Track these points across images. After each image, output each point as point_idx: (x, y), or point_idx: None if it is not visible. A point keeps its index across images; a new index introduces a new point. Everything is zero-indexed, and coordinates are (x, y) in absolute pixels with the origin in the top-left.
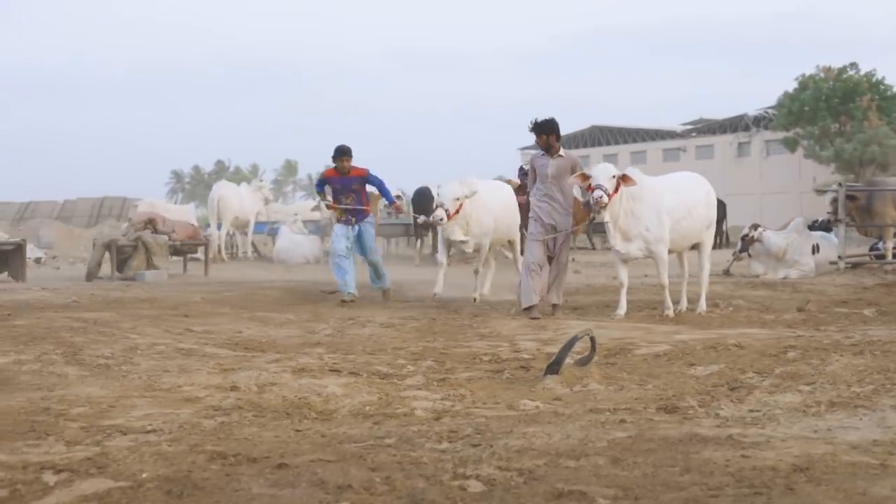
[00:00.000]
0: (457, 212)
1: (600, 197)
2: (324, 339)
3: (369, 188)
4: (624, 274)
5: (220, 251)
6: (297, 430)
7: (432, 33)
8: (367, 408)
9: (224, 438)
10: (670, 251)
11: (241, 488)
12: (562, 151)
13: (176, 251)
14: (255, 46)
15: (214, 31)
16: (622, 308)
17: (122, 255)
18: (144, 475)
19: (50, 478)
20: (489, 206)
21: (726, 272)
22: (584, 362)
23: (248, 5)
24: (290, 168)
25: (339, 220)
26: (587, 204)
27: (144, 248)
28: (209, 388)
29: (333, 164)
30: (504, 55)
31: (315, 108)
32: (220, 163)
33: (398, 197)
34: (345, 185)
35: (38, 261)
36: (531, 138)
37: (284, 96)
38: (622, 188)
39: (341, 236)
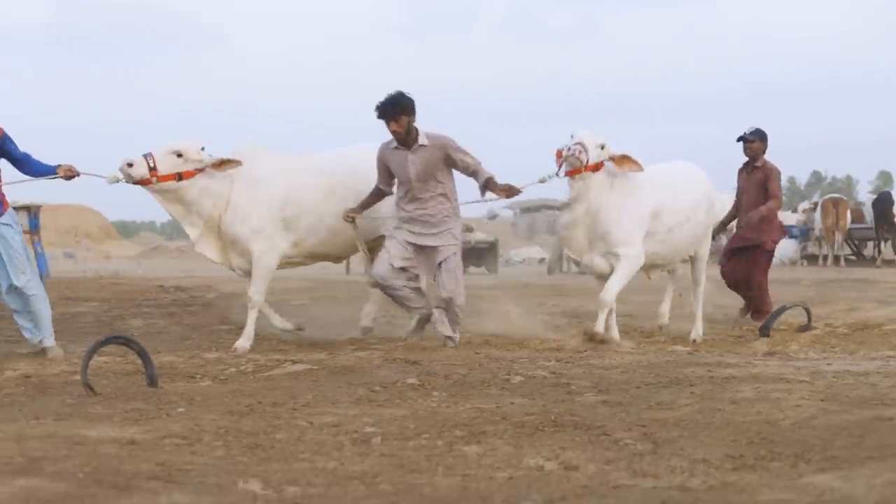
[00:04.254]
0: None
1: (575, 153)
2: None
3: None
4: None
5: None
6: None
7: None
8: None
9: None
10: (659, 267)
11: None
12: (423, 137)
13: None
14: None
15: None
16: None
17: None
18: None
19: None
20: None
21: None
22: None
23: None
24: (885, 179)
25: None
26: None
27: None
28: None
29: None
30: None
31: None
32: (815, 174)
33: None
34: None
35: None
36: None
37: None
38: (609, 172)
39: None
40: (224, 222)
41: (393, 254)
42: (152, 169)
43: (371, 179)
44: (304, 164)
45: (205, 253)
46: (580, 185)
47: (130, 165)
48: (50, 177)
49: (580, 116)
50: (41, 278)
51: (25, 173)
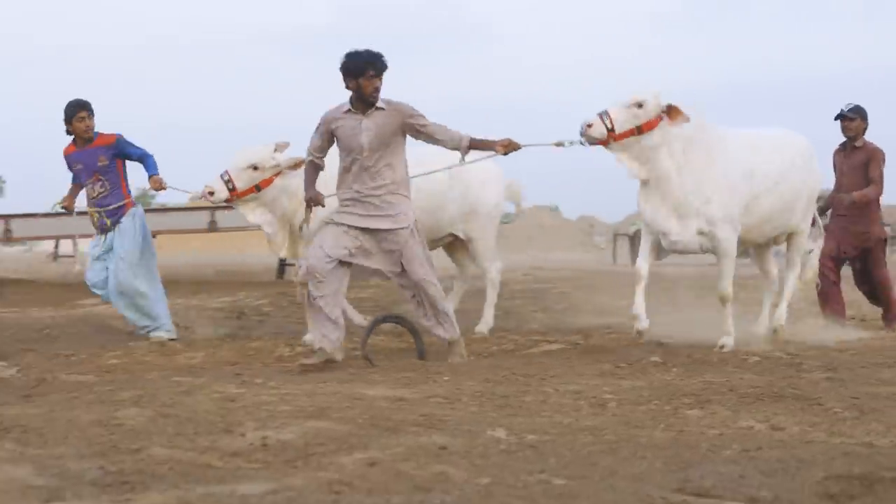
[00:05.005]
0: None
1: (590, 124)
2: None
3: None
4: (645, 267)
5: None
6: None
7: None
8: None
9: None
10: (743, 243)
11: None
12: (382, 101)
13: None
14: None
15: None
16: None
17: None
18: None
19: None
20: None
21: None
22: None
23: None
24: None
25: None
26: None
27: None
28: None
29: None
30: None
31: None
32: None
33: None
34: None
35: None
36: None
37: None
38: (666, 127)
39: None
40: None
41: (328, 244)
42: (232, 190)
43: None
44: None
45: (277, 251)
46: (647, 158)
47: (212, 193)
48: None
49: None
50: None
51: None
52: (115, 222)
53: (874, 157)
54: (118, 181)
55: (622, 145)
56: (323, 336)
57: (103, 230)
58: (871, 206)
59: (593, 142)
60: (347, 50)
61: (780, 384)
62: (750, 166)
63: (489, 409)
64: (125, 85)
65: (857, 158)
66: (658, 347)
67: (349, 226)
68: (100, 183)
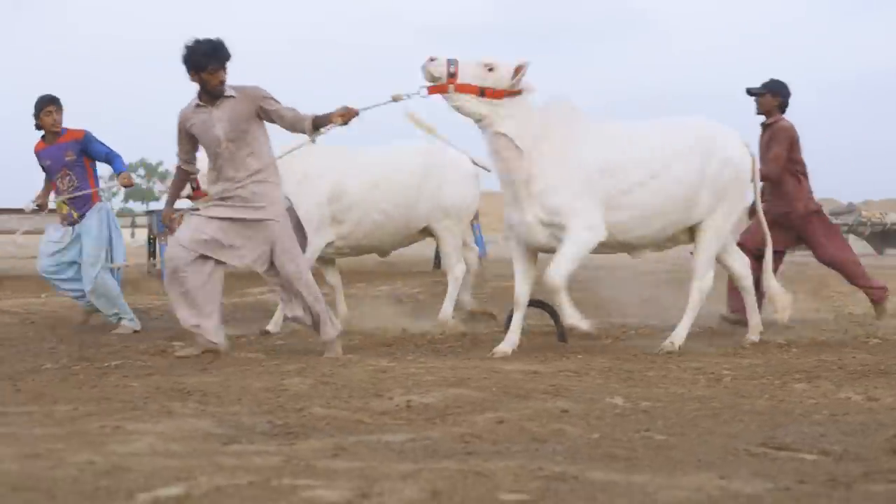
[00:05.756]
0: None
1: (433, 58)
2: None
3: None
4: (522, 280)
5: None
6: None
7: None
8: None
9: None
10: (637, 247)
11: None
12: (229, 88)
13: None
14: None
15: None
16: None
17: None
18: None
19: None
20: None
21: None
22: None
23: None
24: None
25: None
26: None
27: None
28: None
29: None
30: None
31: None
32: None
33: None
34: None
35: None
36: None
37: None
38: (519, 104)
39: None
40: None
41: (186, 236)
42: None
43: None
44: None
45: None
46: (460, 107)
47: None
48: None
49: None
50: (479, 257)
51: (115, 170)
52: (82, 215)
53: (775, 135)
54: (85, 175)
55: (461, 100)
56: (195, 327)
57: (71, 223)
58: (784, 185)
59: (433, 80)
60: (187, 41)
61: (889, 362)
62: (616, 158)
63: (613, 381)
64: (290, 83)
65: (765, 136)
66: (787, 330)
67: (212, 217)
68: (68, 178)
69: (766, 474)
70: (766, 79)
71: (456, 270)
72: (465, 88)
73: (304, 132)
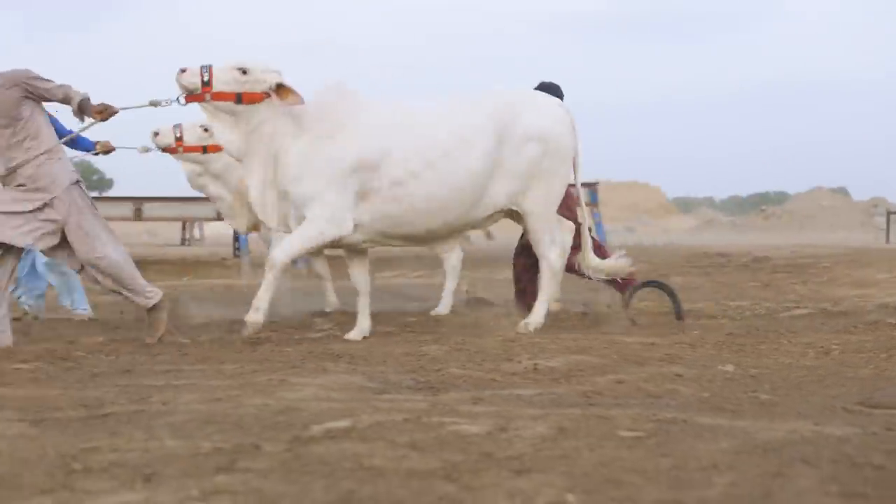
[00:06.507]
0: None
1: (184, 70)
2: None
3: None
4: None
5: None
6: None
7: None
8: None
9: None
10: (427, 239)
11: None
12: None
13: None
14: None
15: None
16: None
17: None
18: None
19: None
20: None
21: None
22: None
23: None
24: None
25: None
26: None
27: None
28: None
29: None
30: None
31: None
32: None
33: None
34: None
35: None
36: None
37: None
38: (274, 106)
39: None
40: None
41: None
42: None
43: None
44: None
45: (238, 227)
46: (215, 118)
47: (157, 134)
48: (92, 152)
49: None
50: (600, 246)
51: (77, 150)
52: None
53: None
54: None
55: (217, 108)
56: None
57: None
58: None
59: (187, 92)
60: None
61: None
62: (381, 147)
63: (725, 353)
64: (407, 80)
65: None
66: None
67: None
68: None
69: (858, 424)
70: None
71: (452, 260)
72: (220, 96)
73: (70, 107)
